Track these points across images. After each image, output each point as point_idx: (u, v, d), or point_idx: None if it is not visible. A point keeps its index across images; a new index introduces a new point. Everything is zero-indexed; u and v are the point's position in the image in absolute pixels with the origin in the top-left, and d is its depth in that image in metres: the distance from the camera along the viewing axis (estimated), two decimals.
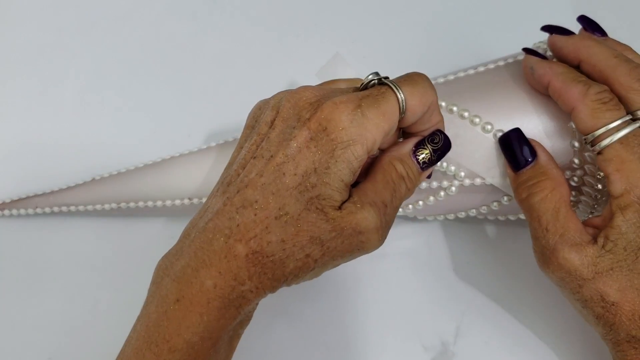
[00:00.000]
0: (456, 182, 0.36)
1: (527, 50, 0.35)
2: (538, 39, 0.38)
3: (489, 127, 0.35)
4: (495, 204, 0.37)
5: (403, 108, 0.29)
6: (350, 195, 0.29)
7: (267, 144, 0.29)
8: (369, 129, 0.28)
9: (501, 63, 0.37)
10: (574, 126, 0.33)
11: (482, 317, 0.40)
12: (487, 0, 0.54)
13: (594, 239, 0.31)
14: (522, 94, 0.35)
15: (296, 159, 0.28)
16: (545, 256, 0.32)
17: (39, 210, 0.41)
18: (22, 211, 0.41)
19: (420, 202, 0.38)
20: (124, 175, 0.40)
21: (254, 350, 0.39)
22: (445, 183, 0.36)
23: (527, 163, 0.34)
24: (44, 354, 0.38)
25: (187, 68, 0.50)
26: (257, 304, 0.30)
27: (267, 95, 0.45)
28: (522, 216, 0.38)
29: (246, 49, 0.49)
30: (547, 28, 0.36)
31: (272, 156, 0.29)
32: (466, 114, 0.35)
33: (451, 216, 0.40)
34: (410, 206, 0.38)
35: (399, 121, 0.30)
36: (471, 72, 0.37)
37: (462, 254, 0.42)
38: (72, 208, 0.40)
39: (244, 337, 0.38)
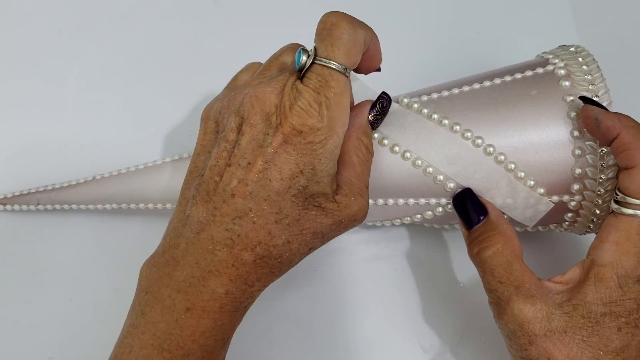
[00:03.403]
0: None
1: (585, 100, 0.33)
2: (538, 39, 0.37)
3: (491, 149, 0.35)
4: None
5: (348, 72, 0.30)
6: (339, 186, 0.31)
7: (239, 151, 0.30)
8: (337, 118, 0.30)
9: (508, 78, 0.36)
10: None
11: (481, 318, 0.41)
12: (488, 1, 0.53)
13: (552, 294, 0.31)
14: (527, 116, 0.35)
15: (277, 164, 0.29)
16: (500, 307, 0.31)
17: (40, 207, 0.41)
18: (24, 207, 0.41)
19: (418, 216, 0.38)
20: (125, 175, 0.40)
21: (253, 351, 0.40)
22: (443, 200, 0.37)
23: (479, 221, 0.34)
24: (45, 354, 0.39)
25: (188, 68, 0.49)
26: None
27: None
28: (528, 228, 0.39)
29: (246, 49, 0.48)
30: (583, 99, 0.34)
31: (249, 163, 0.29)
32: (469, 135, 0.35)
33: (447, 226, 0.40)
34: (407, 218, 0.39)
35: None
36: (476, 86, 0.37)
37: (461, 255, 0.43)
38: (74, 206, 0.40)
39: (244, 337, 0.39)
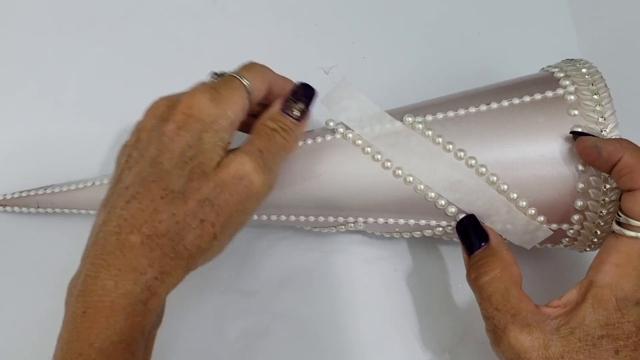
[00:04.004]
0: (455, 223, 0.36)
1: (577, 134, 0.33)
2: (538, 40, 0.36)
3: (494, 178, 0.34)
4: None
5: (248, 86, 0.33)
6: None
7: (137, 153, 0.31)
8: (227, 105, 0.32)
9: (516, 101, 0.35)
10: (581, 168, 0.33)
11: (480, 319, 0.41)
12: (487, 2, 0.52)
13: (550, 319, 0.31)
14: (533, 148, 0.34)
15: (170, 147, 0.30)
16: (497, 335, 0.32)
17: (40, 210, 0.41)
18: (24, 209, 0.41)
19: (418, 232, 0.38)
20: None
21: (253, 351, 0.41)
22: (443, 222, 0.37)
23: (480, 246, 0.34)
24: (45, 354, 0.39)
25: (187, 68, 0.47)
26: (164, 300, 0.30)
27: None
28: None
29: (246, 49, 0.47)
30: (575, 133, 0.34)
31: (143, 156, 0.31)
32: (472, 162, 0.34)
33: (445, 237, 0.41)
34: (407, 234, 0.39)
35: (251, 101, 0.33)
36: (483, 108, 0.36)
37: (461, 256, 0.43)
38: (74, 211, 0.40)
39: (244, 338, 0.40)
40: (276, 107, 0.34)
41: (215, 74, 0.34)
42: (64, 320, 0.29)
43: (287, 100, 0.34)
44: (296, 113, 0.34)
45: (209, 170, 0.30)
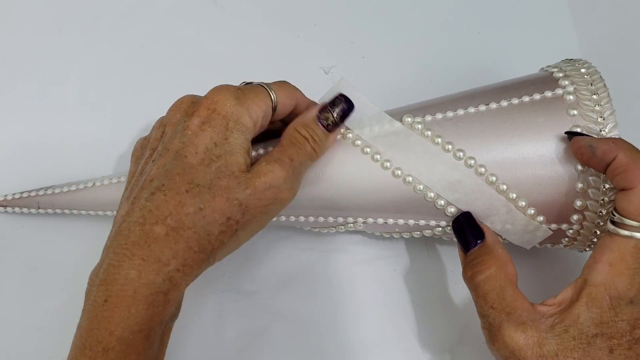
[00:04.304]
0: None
1: (572, 134, 0.33)
2: (538, 39, 0.36)
3: (493, 178, 0.34)
4: None
5: (274, 98, 0.34)
6: (257, 160, 0.32)
7: (161, 146, 0.32)
8: (250, 105, 0.32)
9: (515, 101, 0.35)
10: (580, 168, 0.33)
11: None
12: (487, 2, 0.52)
13: (545, 318, 0.31)
14: (532, 148, 0.34)
15: (194, 142, 0.31)
16: (492, 333, 0.32)
17: (41, 211, 0.41)
18: (25, 210, 0.41)
19: (417, 232, 0.38)
20: (124, 183, 0.39)
21: (253, 351, 0.41)
22: (443, 223, 0.37)
23: (476, 244, 0.34)
24: (45, 354, 0.39)
25: (188, 68, 0.48)
26: (183, 293, 0.31)
27: None
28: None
29: (246, 49, 0.47)
30: (570, 133, 0.34)
31: (167, 149, 0.31)
32: (472, 162, 0.34)
33: (445, 237, 0.41)
34: (406, 234, 0.39)
35: (275, 113, 0.34)
36: (482, 108, 0.36)
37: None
38: (75, 211, 0.41)
39: (244, 338, 0.40)
40: (312, 112, 0.35)
41: (246, 83, 0.35)
42: (84, 309, 0.30)
43: (325, 109, 0.35)
44: (328, 122, 0.35)
45: (237, 171, 0.31)
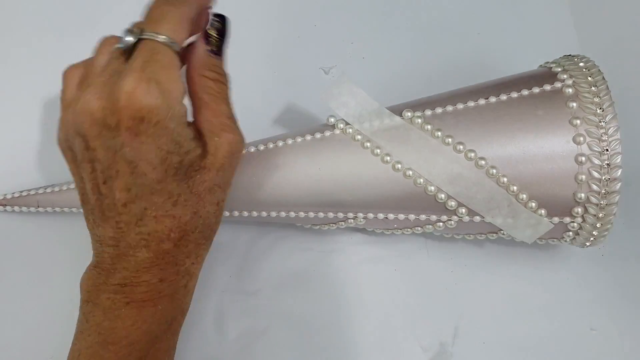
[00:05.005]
0: (455, 218, 0.36)
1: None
2: (538, 39, 0.36)
3: (494, 171, 0.34)
4: (493, 235, 0.38)
5: (177, 46, 0.29)
6: (200, 133, 0.31)
7: (102, 166, 0.29)
8: (170, 89, 0.28)
9: (514, 95, 0.36)
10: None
11: (479, 317, 0.42)
12: (487, 1, 0.53)
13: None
14: (532, 139, 0.34)
15: (141, 156, 0.28)
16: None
17: (40, 209, 0.41)
18: (24, 209, 0.41)
19: (419, 228, 0.38)
20: None
21: (253, 351, 0.40)
22: (444, 217, 0.36)
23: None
24: (45, 354, 0.39)
25: None
26: (197, 277, 0.33)
27: (267, 94, 0.46)
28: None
29: (246, 49, 0.47)
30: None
31: (117, 171, 0.28)
32: (472, 155, 0.34)
33: (447, 234, 0.40)
34: (408, 230, 0.39)
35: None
36: (482, 102, 0.36)
37: (460, 256, 0.43)
38: (74, 210, 0.40)
39: (244, 338, 0.40)
40: (201, 47, 0.32)
41: (130, 31, 0.30)
42: (91, 309, 0.30)
43: (207, 35, 0.32)
44: (213, 47, 0.32)
45: (203, 162, 0.30)
